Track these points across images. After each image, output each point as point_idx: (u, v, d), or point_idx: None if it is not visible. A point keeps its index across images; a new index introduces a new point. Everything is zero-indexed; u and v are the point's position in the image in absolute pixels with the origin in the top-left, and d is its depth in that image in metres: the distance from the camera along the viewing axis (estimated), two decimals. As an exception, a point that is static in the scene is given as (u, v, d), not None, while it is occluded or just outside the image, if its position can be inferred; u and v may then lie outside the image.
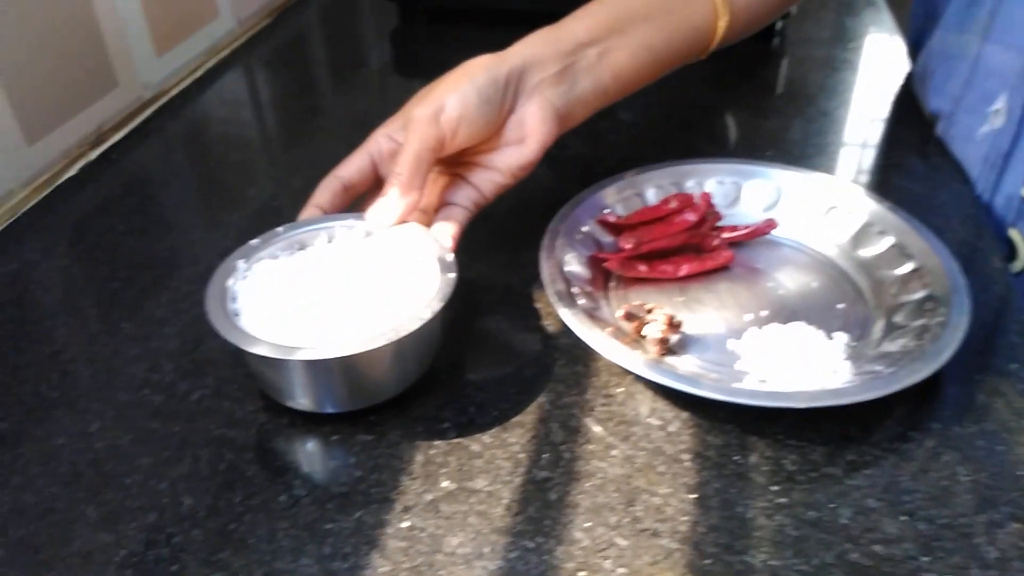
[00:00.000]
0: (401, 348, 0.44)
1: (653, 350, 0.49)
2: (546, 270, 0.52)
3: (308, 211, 0.52)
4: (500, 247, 0.58)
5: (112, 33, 0.74)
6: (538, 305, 0.54)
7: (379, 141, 0.54)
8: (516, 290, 0.55)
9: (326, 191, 0.53)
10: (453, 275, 0.46)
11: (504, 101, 0.52)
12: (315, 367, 0.43)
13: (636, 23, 0.56)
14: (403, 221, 0.50)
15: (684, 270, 0.55)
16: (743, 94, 0.83)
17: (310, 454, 0.45)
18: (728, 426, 0.45)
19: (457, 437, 0.45)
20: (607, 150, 0.72)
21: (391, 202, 0.49)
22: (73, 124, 0.71)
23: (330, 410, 0.46)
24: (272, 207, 0.66)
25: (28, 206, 0.65)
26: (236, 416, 0.46)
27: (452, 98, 0.50)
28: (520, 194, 0.63)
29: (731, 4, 0.59)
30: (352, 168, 0.53)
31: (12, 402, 0.48)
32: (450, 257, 0.48)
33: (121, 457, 0.44)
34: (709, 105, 0.80)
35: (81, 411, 0.47)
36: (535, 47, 0.53)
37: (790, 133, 0.74)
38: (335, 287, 0.47)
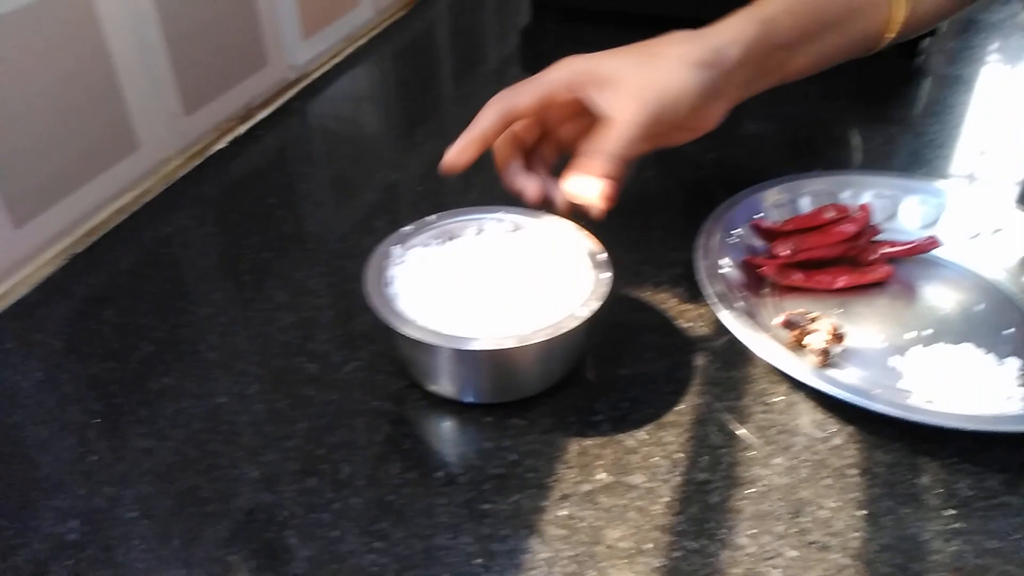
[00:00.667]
0: (553, 347, 0.43)
1: (814, 360, 0.47)
2: (702, 269, 0.51)
3: (469, 138, 0.51)
4: (645, 245, 0.58)
5: (267, 12, 0.76)
6: (687, 305, 0.53)
7: (562, 85, 0.51)
8: (664, 288, 0.54)
9: (494, 112, 0.51)
10: (608, 274, 0.46)
11: (710, 103, 0.51)
12: (466, 357, 0.43)
13: (826, 29, 0.54)
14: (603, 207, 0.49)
15: (841, 282, 0.53)
16: (889, 109, 0.80)
17: (464, 434, 0.45)
18: (896, 444, 0.43)
19: (612, 431, 0.44)
20: (750, 156, 0.71)
21: (595, 178, 0.48)
22: (226, 99, 0.73)
23: (470, 400, 0.45)
24: (398, 189, 0.66)
25: (182, 174, 0.67)
26: (390, 390, 0.47)
27: (673, 90, 0.49)
28: (665, 192, 0.62)
29: (905, 12, 0.57)
30: (528, 100, 0.51)
31: (173, 358, 0.49)
32: (602, 255, 0.47)
33: (280, 420, 0.45)
34: (854, 119, 0.78)
35: (239, 373, 0.48)
36: (743, 46, 0.51)
37: (944, 151, 0.71)
38: (486, 279, 0.46)
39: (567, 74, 0.51)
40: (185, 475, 0.42)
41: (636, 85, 0.49)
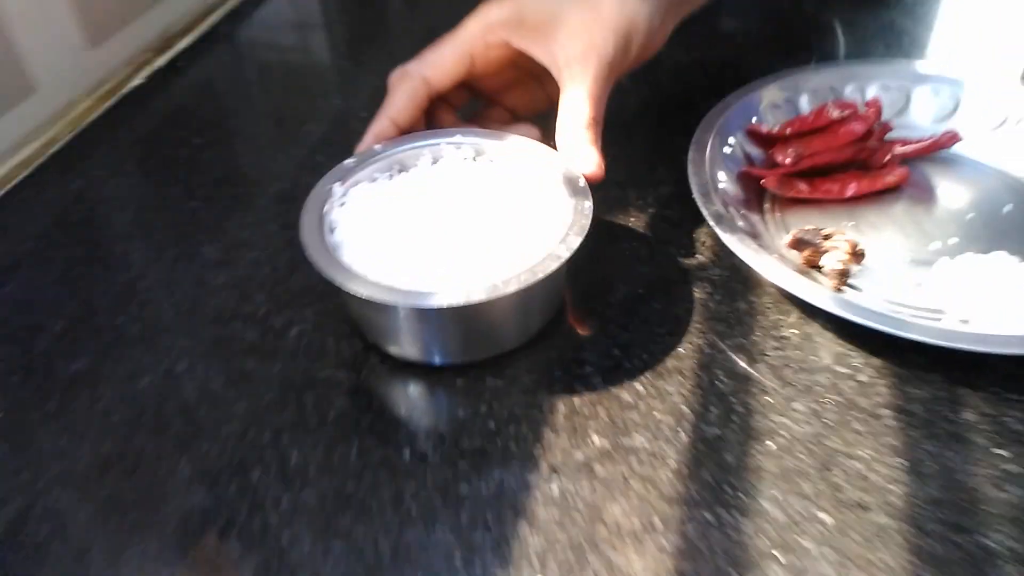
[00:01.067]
0: (530, 295, 0.36)
1: (831, 283, 0.41)
2: (695, 187, 0.44)
3: (378, 129, 0.44)
4: (627, 163, 0.50)
5: (176, -76, 0.66)
6: (680, 230, 0.46)
7: (481, 41, 0.44)
8: (653, 212, 0.47)
9: (406, 98, 0.44)
10: (588, 203, 0.39)
11: (657, 27, 0.44)
12: (429, 316, 0.36)
13: None
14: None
15: (852, 189, 0.47)
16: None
17: (433, 402, 0.38)
18: (931, 376, 0.37)
19: (604, 385, 0.38)
20: (736, 55, 0.63)
21: (584, 156, 0.41)
22: (137, 27, 0.64)
23: (437, 362, 0.39)
24: (346, 119, 0.58)
25: (93, 116, 0.59)
26: (343, 356, 0.40)
27: (624, 24, 0.42)
28: (643, 103, 0.55)
29: None
30: (443, 71, 0.44)
31: (87, 336, 0.42)
32: (582, 181, 0.40)
33: (214, 402, 0.38)
34: (845, 4, 0.70)
35: (165, 348, 0.41)
36: None
37: (954, 32, 0.64)
38: (445, 218, 0.39)
39: (483, 27, 0.43)
40: (105, 479, 0.35)
41: (580, 27, 0.41)
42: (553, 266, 0.36)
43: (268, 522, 0.33)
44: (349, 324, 0.41)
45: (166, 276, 0.45)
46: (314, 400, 0.38)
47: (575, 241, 0.37)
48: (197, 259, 0.46)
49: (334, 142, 0.56)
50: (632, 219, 0.47)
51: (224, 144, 0.57)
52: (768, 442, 0.35)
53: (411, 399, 0.38)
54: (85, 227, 0.50)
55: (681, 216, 0.46)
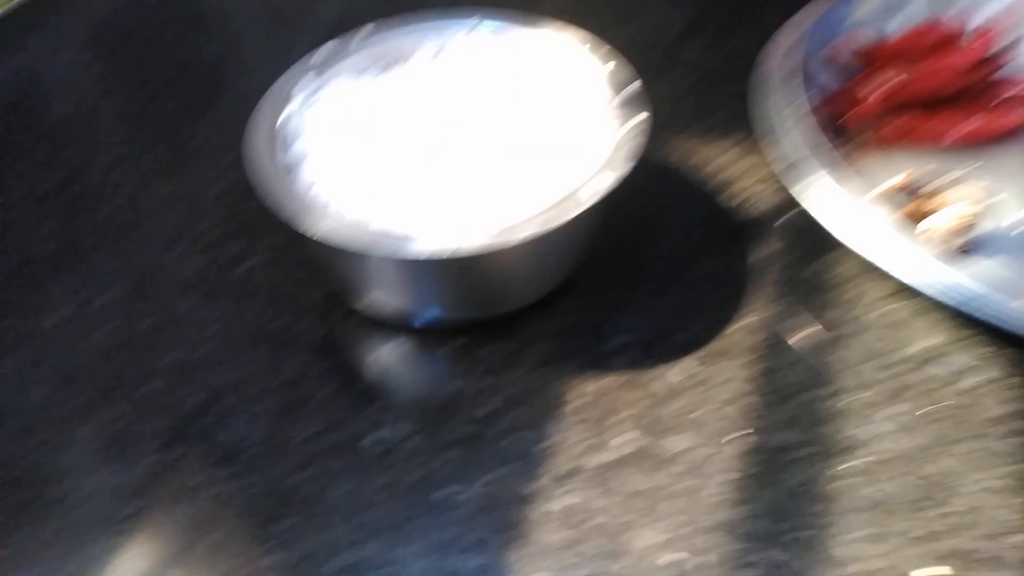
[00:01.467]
0: (545, 243, 0.27)
1: (939, 249, 0.31)
2: (767, 116, 0.35)
3: None
4: (681, 89, 0.41)
5: None
6: (742, 166, 0.37)
7: None
8: (711, 141, 0.38)
9: None
10: (641, 117, 0.29)
11: None
12: (417, 268, 0.27)
13: None
14: None
15: (963, 130, 0.37)
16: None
17: (416, 369, 0.30)
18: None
19: (637, 365, 0.29)
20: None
21: None
22: None
23: (417, 323, 0.30)
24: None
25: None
26: (301, 303, 0.31)
27: None
28: (702, 12, 0.45)
29: None
30: None
31: (-8, 252, 0.33)
32: (633, 86, 0.31)
33: (138, 349, 0.30)
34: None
35: (87, 273, 0.32)
36: None
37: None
38: (445, 131, 0.30)
39: None
40: (-17, 444, 0.27)
41: None
42: (584, 206, 0.27)
43: (194, 515, 0.25)
44: (312, 264, 0.32)
45: (102, 180, 0.37)
46: (263, 357, 0.29)
47: (619, 171, 0.27)
48: (134, 168, 0.37)
49: (321, 17, 0.46)
50: (685, 154, 0.37)
51: (195, 26, 0.47)
52: (851, 460, 0.27)
53: (381, 368, 0.30)
54: (16, 113, 0.41)
55: (744, 155, 0.37)
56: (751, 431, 0.27)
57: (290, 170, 0.28)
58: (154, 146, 0.38)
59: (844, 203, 0.32)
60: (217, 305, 0.31)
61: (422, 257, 0.25)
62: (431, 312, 0.30)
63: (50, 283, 0.32)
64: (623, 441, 0.27)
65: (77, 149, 0.39)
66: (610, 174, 0.28)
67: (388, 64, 0.33)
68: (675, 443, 0.27)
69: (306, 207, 0.27)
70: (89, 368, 0.29)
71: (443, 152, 0.29)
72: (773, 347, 0.30)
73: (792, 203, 0.34)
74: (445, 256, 0.25)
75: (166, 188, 0.36)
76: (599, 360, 0.29)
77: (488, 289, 0.29)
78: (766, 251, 0.33)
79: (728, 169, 0.36)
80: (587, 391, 0.28)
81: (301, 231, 0.26)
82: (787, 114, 0.36)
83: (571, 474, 0.26)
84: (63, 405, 0.28)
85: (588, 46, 0.32)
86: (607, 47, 0.32)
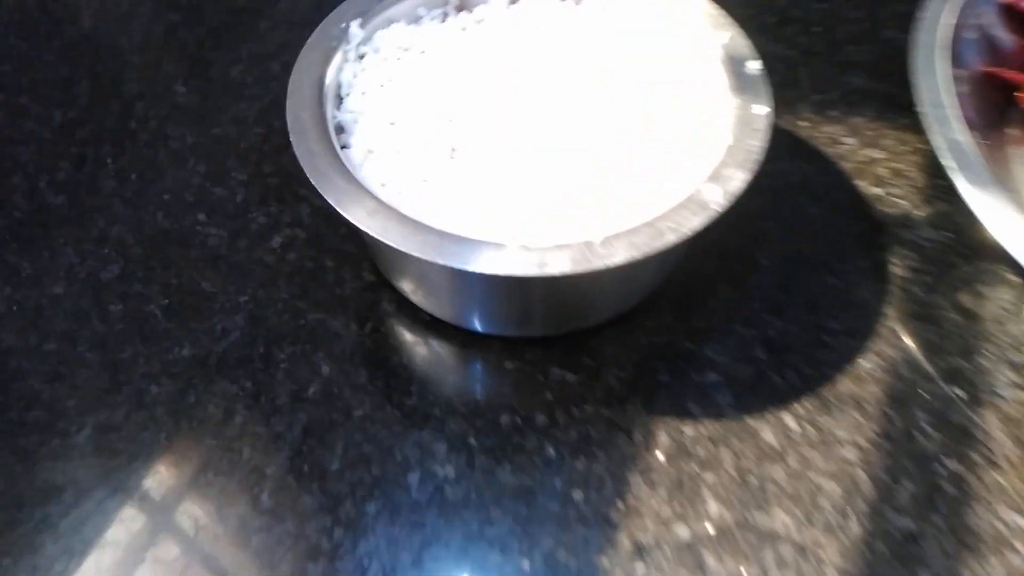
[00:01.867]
0: (647, 260, 0.22)
1: None
2: (921, 90, 0.28)
3: None
4: (809, 55, 0.34)
5: None
6: (877, 159, 0.30)
7: None
8: (848, 122, 0.31)
9: None
10: (765, 110, 0.23)
11: None
12: (484, 282, 0.22)
13: None
14: None
15: None
16: None
17: (463, 391, 0.25)
18: None
19: (734, 409, 0.24)
20: None
21: None
22: None
23: (479, 328, 0.25)
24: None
25: None
26: (343, 291, 0.27)
27: None
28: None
29: None
30: None
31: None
32: (755, 65, 0.24)
33: (149, 340, 0.26)
34: None
35: (94, 242, 0.28)
36: None
37: None
38: (530, 101, 0.24)
39: None
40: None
41: None
42: (694, 223, 0.21)
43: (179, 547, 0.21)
44: (357, 242, 0.27)
45: (113, 126, 0.32)
46: (291, 358, 0.25)
47: (736, 183, 0.22)
48: (163, 101, 0.32)
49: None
50: (807, 136, 0.31)
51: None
52: (995, 556, 0.21)
53: (431, 381, 0.25)
54: (31, 25, 0.36)
55: (881, 138, 0.30)
56: (869, 510, 0.22)
57: (340, 133, 0.23)
58: (181, 79, 0.33)
59: (1013, 201, 0.25)
60: (242, 286, 0.27)
61: (499, 274, 0.20)
62: (497, 326, 0.25)
63: (57, 249, 0.28)
64: (708, 511, 0.22)
65: (94, 80, 0.34)
66: (738, 175, 0.22)
67: (454, 7, 0.27)
68: (771, 521, 0.22)
69: (358, 189, 0.21)
70: (84, 366, 0.25)
71: (525, 131, 0.24)
72: (905, 397, 0.24)
73: (945, 199, 0.28)
74: (516, 276, 0.20)
75: (191, 132, 0.31)
76: (681, 402, 0.24)
77: (569, 306, 0.24)
78: (905, 263, 0.27)
79: (855, 156, 0.30)
80: (665, 442, 0.23)
81: (350, 221, 0.21)
82: (942, 87, 0.29)
83: (644, 547, 0.22)
84: (52, 402, 0.24)
85: (699, 5, 0.26)
86: (719, 8, 0.26)
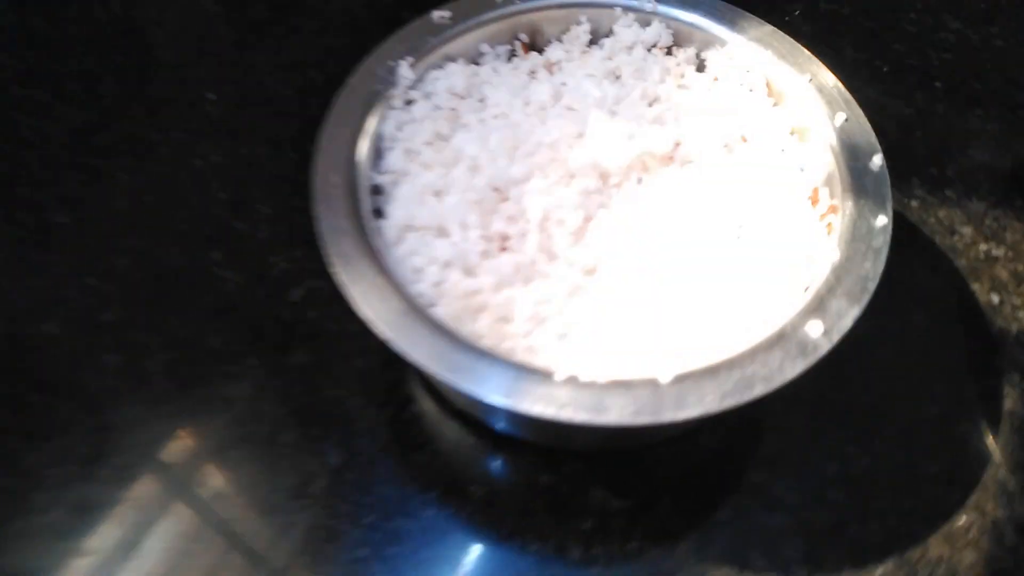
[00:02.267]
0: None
1: None
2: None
3: None
4: (922, 113, 0.29)
5: None
6: (994, 256, 0.26)
7: None
8: (947, 217, 0.27)
9: None
10: (884, 220, 0.19)
11: None
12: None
13: None
14: None
15: None
16: None
17: (489, 506, 0.22)
18: None
19: (808, 560, 0.20)
20: None
21: None
22: None
23: (504, 428, 0.22)
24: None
25: None
26: (363, 364, 0.23)
27: None
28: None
29: None
30: None
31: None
32: (876, 161, 0.20)
33: (124, 395, 0.23)
34: None
35: (91, 271, 0.25)
36: None
37: None
38: (602, 176, 0.21)
39: None
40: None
41: None
42: (788, 372, 0.17)
43: None
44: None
45: (133, 134, 0.29)
46: (306, 445, 0.22)
47: (845, 321, 0.18)
48: (192, 109, 0.29)
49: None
50: (917, 220, 0.27)
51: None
52: None
53: (452, 491, 0.22)
54: (61, 16, 0.33)
55: (1004, 231, 0.26)
56: None
57: (375, 193, 0.20)
58: (209, 86, 0.30)
59: None
60: (251, 353, 0.23)
61: (554, 419, 0.17)
62: (533, 437, 0.22)
63: (52, 273, 0.25)
64: None
65: (120, 77, 0.31)
66: (847, 308, 0.18)
67: (521, 45, 0.24)
68: None
69: (385, 284, 0.18)
70: (68, 433, 0.22)
71: (594, 220, 0.20)
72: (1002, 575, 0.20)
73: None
74: (557, 419, 0.17)
75: (215, 153, 0.28)
76: (743, 550, 0.21)
77: (619, 436, 0.21)
78: (1014, 400, 0.23)
79: (972, 251, 0.26)
80: (726, 595, 0.20)
81: (380, 336, 0.18)
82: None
83: None
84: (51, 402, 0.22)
85: (802, 71, 0.22)
86: (830, 77, 0.22)
